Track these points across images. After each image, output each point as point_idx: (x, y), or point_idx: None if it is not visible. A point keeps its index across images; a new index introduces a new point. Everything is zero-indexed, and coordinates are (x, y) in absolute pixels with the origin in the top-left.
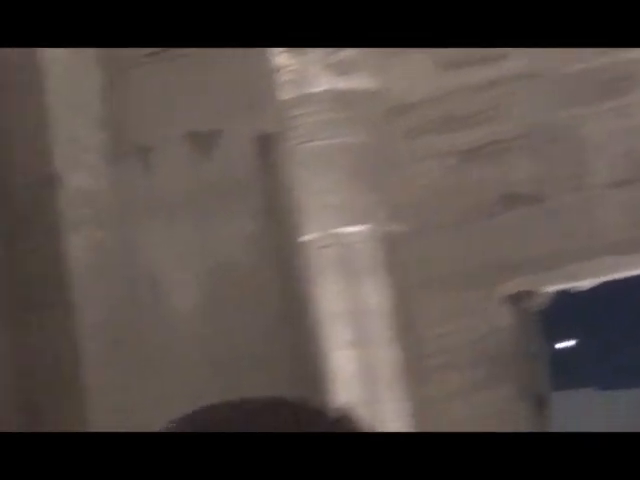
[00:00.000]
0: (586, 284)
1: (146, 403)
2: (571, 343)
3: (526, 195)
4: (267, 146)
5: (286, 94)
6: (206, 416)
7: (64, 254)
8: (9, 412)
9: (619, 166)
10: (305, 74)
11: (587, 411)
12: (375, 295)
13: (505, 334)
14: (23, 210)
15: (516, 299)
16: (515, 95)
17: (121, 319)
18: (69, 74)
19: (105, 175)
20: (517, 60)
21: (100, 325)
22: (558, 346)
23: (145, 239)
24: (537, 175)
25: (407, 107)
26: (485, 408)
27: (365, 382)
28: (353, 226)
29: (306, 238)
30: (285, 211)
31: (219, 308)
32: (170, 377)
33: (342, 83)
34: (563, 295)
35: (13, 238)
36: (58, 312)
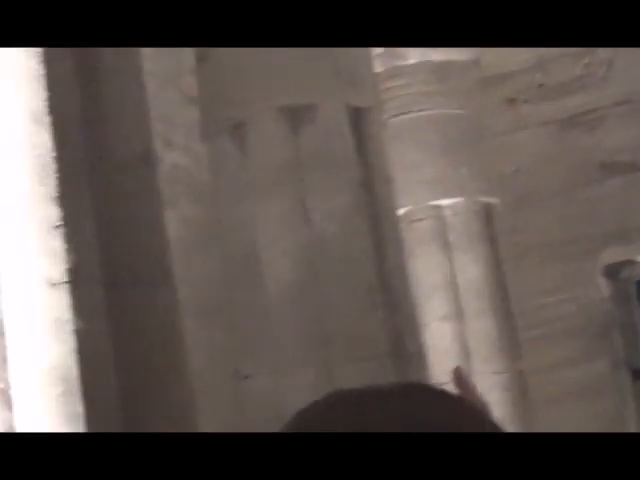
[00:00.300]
0: None
1: (244, 379)
2: None
3: (626, 163)
4: (361, 119)
5: (380, 67)
6: (336, 404)
7: (161, 232)
8: (110, 392)
9: None
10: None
11: None
12: (471, 267)
13: (604, 305)
14: (122, 187)
15: (616, 269)
16: (614, 61)
17: (216, 296)
18: (162, 52)
19: (200, 152)
20: None
21: (197, 302)
22: None
23: (240, 215)
24: (637, 143)
25: (502, 77)
26: (583, 380)
27: (462, 355)
28: (448, 198)
29: (401, 211)
30: (380, 184)
31: (316, 283)
32: (267, 353)
33: (436, 54)
34: None
35: (112, 216)
36: (155, 290)
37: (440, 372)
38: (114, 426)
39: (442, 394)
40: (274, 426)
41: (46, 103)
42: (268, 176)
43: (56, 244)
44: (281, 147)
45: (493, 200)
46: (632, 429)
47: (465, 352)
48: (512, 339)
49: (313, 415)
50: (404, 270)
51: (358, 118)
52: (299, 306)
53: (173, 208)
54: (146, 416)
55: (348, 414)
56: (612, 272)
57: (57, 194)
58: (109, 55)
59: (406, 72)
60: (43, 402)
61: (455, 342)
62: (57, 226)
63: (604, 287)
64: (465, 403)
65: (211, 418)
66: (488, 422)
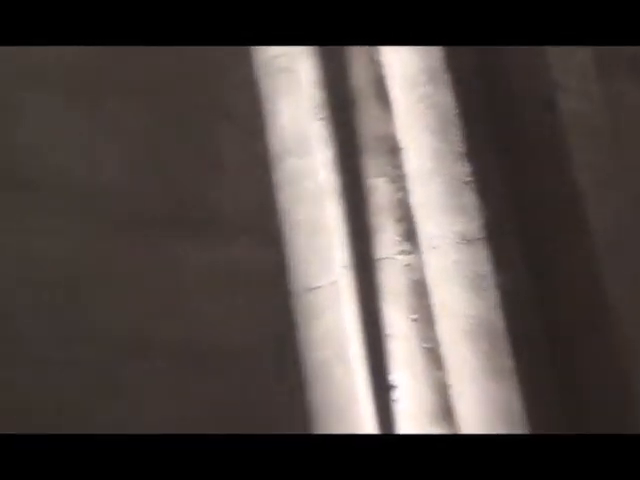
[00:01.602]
0: None
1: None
2: None
3: None
4: None
5: None
6: None
7: (571, 180)
8: None
9: None
10: None
11: None
12: None
13: None
14: (526, 138)
15: None
16: None
17: (626, 239)
18: None
19: (596, 93)
20: None
21: (610, 249)
22: None
23: None
24: None
25: None
26: None
27: None
28: None
29: None
30: None
31: None
32: None
33: None
34: None
35: (520, 168)
36: (572, 238)
37: None
38: (544, 379)
39: None
40: None
41: (443, 61)
42: None
43: (468, 200)
44: None
45: None
46: None
47: None
48: None
49: None
50: None
51: None
52: None
53: (572, 156)
54: (575, 365)
55: None
56: None
57: (463, 150)
58: None
59: None
60: (471, 359)
61: None
62: (467, 182)
63: None
64: None
65: None
66: None
